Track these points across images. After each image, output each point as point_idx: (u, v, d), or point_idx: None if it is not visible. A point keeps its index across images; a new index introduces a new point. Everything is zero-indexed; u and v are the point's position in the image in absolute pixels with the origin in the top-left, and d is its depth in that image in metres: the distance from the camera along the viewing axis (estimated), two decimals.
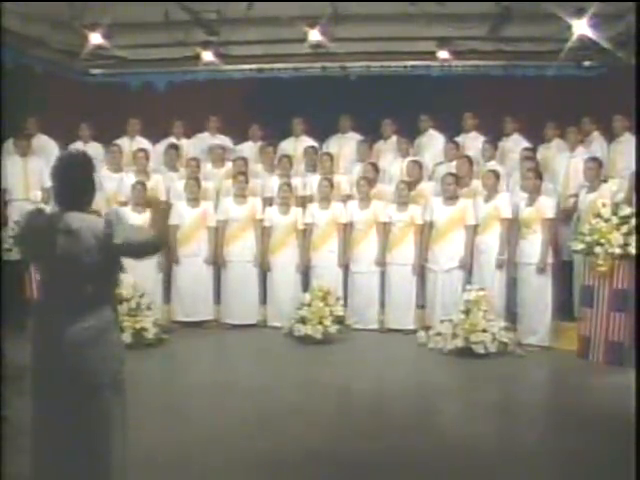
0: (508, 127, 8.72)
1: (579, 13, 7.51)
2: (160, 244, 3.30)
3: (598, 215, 6.64)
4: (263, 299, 8.04)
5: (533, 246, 7.14)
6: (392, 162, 8.63)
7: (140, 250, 3.18)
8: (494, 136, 8.59)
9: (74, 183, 3.18)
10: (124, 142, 8.88)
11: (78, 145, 8.54)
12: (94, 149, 8.52)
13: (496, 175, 7.56)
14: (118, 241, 3.06)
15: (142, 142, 8.89)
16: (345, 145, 9.03)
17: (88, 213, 3.20)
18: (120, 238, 3.07)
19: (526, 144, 8.37)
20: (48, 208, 3.34)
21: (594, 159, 7.45)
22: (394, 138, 8.83)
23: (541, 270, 7.07)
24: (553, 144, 8.45)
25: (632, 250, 6.36)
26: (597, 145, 8.19)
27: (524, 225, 7.22)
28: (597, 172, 7.30)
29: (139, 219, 7.62)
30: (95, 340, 3.09)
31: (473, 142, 8.61)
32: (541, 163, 8.04)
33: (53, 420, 3.08)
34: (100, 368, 3.09)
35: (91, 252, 3.05)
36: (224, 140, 9.11)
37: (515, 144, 8.49)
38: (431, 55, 9.62)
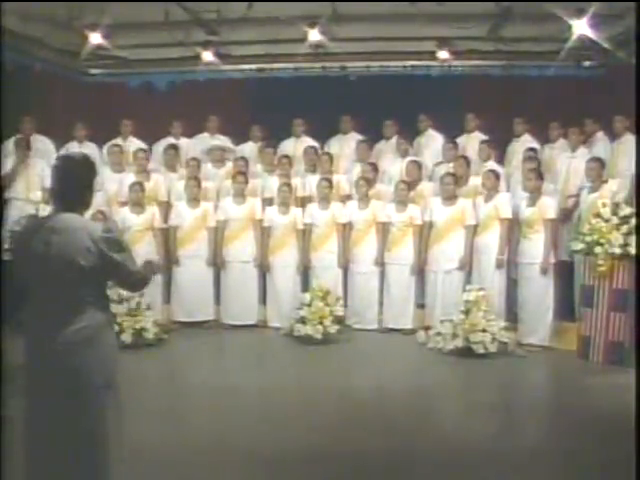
0: (518, 128, 8.69)
1: (579, 13, 7.51)
2: (146, 282, 3.35)
3: (598, 215, 6.65)
4: (263, 299, 8.03)
5: (535, 246, 7.13)
6: (392, 162, 8.63)
7: (127, 276, 3.19)
8: (493, 136, 8.58)
9: (75, 186, 3.16)
10: (120, 143, 8.83)
11: (73, 145, 8.53)
12: (90, 149, 8.48)
13: (496, 175, 7.55)
14: (112, 255, 3.07)
15: (136, 143, 8.80)
16: (346, 145, 9.02)
17: (89, 215, 3.20)
18: (115, 253, 3.08)
19: (536, 145, 8.35)
20: (48, 208, 3.33)
21: (596, 159, 7.44)
22: (395, 138, 8.84)
23: (544, 270, 7.07)
24: (557, 144, 8.44)
25: (632, 250, 6.36)
26: (601, 146, 8.19)
27: (526, 225, 7.22)
28: (599, 172, 7.30)
29: (137, 220, 7.66)
30: (89, 341, 3.07)
31: (475, 142, 8.58)
32: (545, 163, 8.03)
33: (47, 421, 3.07)
34: (94, 369, 3.08)
35: (85, 253, 3.04)
36: (224, 140, 9.10)
37: (525, 145, 8.41)
38: (431, 55, 9.63)
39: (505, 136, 8.85)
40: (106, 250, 3.06)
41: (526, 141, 8.54)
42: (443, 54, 9.41)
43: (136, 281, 3.28)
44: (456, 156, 8.18)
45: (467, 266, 7.48)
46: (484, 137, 8.54)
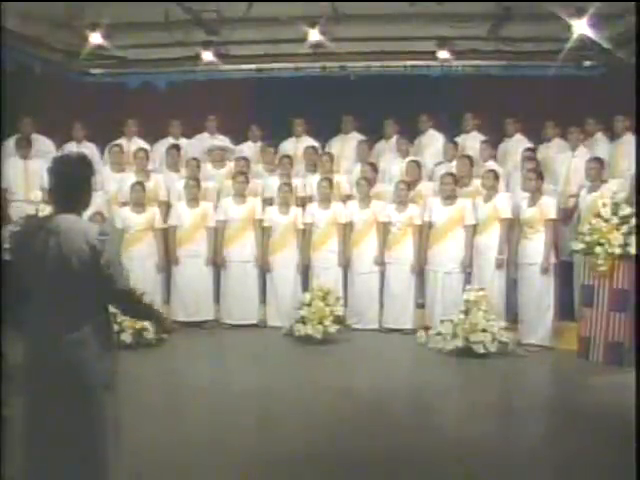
0: (509, 128, 8.73)
1: (579, 13, 7.52)
2: (133, 301, 3.31)
3: (598, 215, 6.65)
4: (263, 299, 8.03)
5: (535, 246, 7.13)
6: (392, 162, 8.63)
7: (111, 284, 3.12)
8: (494, 136, 8.59)
9: (70, 186, 3.14)
10: (122, 143, 8.84)
11: (71, 146, 8.52)
12: (88, 150, 8.46)
13: (495, 175, 7.56)
14: (103, 259, 3.05)
15: (140, 143, 8.81)
16: (347, 145, 9.02)
17: (88, 217, 3.18)
18: (105, 258, 3.06)
19: (529, 144, 8.37)
20: (48, 208, 3.32)
21: (596, 159, 7.45)
22: (395, 138, 8.84)
23: (544, 270, 7.07)
24: (553, 144, 8.46)
25: (632, 250, 6.36)
26: (601, 146, 8.19)
27: (527, 225, 7.21)
28: (599, 172, 7.30)
29: (138, 219, 7.66)
30: (87, 341, 3.07)
31: (473, 142, 8.60)
32: (542, 163, 8.04)
33: (45, 421, 3.06)
34: (92, 369, 3.07)
35: (80, 254, 3.03)
36: (224, 140, 9.10)
37: (517, 145, 8.46)
38: (431, 55, 9.63)
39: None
40: (99, 253, 3.06)
41: (519, 141, 8.57)
42: (443, 54, 9.41)
43: (117, 291, 3.15)
44: (456, 156, 8.18)
45: (467, 266, 7.49)
46: (482, 137, 8.55)
